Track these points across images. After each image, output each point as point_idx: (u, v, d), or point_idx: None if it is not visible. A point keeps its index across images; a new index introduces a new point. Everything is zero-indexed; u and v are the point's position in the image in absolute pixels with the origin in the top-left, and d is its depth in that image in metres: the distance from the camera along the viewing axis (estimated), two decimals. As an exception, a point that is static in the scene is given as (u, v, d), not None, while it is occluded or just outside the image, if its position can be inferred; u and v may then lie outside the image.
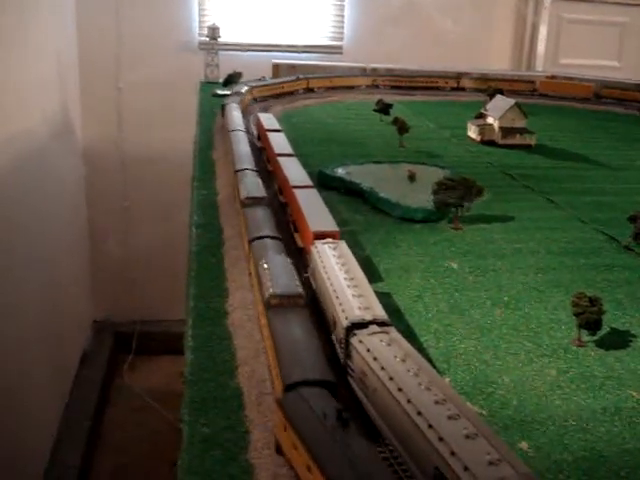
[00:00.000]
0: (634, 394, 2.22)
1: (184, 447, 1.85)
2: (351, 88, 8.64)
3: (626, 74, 10.69)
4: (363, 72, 8.92)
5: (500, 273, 3.17)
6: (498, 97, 6.42)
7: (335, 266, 2.41)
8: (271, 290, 2.16)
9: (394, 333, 1.95)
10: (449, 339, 2.52)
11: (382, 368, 1.75)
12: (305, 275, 2.68)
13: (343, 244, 2.64)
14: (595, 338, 2.54)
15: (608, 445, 1.96)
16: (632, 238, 3.54)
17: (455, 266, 3.22)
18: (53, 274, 7.99)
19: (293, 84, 8.07)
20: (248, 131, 5.07)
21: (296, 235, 3.17)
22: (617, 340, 2.58)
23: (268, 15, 10.33)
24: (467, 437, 1.44)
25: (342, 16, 10.65)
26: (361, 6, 10.66)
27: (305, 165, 3.86)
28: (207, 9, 10.17)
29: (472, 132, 6.22)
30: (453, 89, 9.02)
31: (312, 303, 2.46)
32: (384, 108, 6.56)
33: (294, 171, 3.68)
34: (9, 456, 6.26)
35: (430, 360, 2.34)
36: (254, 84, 7.44)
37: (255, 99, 7.28)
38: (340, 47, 10.70)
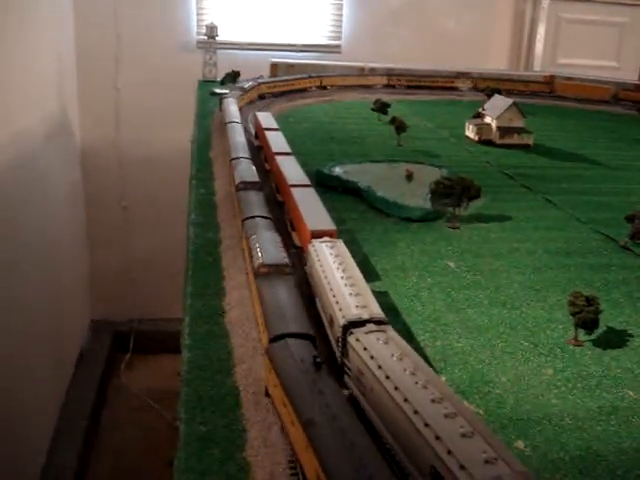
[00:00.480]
0: (630, 393, 2.22)
1: (181, 445, 1.85)
2: (367, 87, 8.71)
3: (625, 74, 10.71)
4: (361, 71, 8.93)
5: (497, 272, 3.17)
6: (496, 96, 6.42)
7: (332, 265, 2.40)
8: (260, 260, 2.41)
9: (391, 332, 1.95)
10: (446, 338, 2.52)
11: (379, 367, 1.75)
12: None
13: (340, 243, 2.64)
14: (592, 337, 2.54)
15: (604, 444, 1.96)
16: (629, 238, 3.55)
17: (452, 265, 3.22)
18: (51, 273, 7.98)
19: (305, 82, 8.18)
20: (246, 129, 5.09)
21: (293, 234, 3.17)
22: (614, 339, 2.58)
23: (266, 14, 10.32)
24: (463, 436, 1.44)
25: (340, 15, 10.65)
26: (360, 5, 10.66)
27: (303, 164, 3.86)
28: (205, 8, 10.16)
29: (470, 132, 6.22)
30: (471, 89, 9.05)
31: (309, 301, 2.46)
32: (382, 107, 6.56)
33: (292, 170, 3.68)
34: (6, 455, 6.25)
35: (427, 359, 2.34)
36: (262, 80, 7.53)
37: (262, 96, 7.36)
38: (338, 46, 10.70)
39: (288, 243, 3.06)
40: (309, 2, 10.55)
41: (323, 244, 2.61)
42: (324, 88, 8.37)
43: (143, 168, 10.11)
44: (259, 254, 2.46)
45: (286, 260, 2.44)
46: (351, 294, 2.16)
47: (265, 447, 1.83)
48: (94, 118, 10.00)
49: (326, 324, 2.25)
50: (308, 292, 2.56)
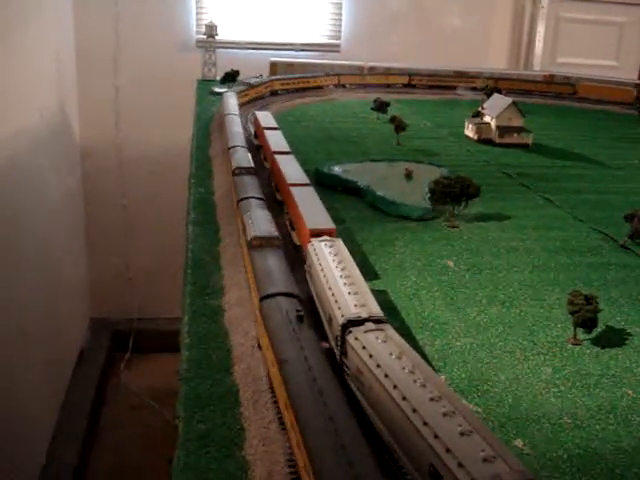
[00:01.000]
0: (629, 392, 2.22)
1: (180, 444, 1.85)
2: (388, 86, 8.79)
3: (624, 73, 10.71)
4: (361, 70, 8.93)
5: (496, 271, 3.17)
6: (495, 96, 6.42)
7: (331, 264, 2.40)
8: (253, 233, 2.67)
9: (390, 330, 1.95)
10: (445, 337, 2.52)
11: (378, 365, 1.75)
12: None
13: (339, 242, 2.64)
14: (591, 336, 2.54)
15: (603, 443, 1.97)
16: (628, 237, 3.55)
17: (451, 264, 3.22)
18: (50, 272, 7.98)
19: (323, 79, 8.34)
20: (245, 129, 5.11)
21: (293, 233, 3.17)
22: (613, 338, 2.58)
23: (266, 13, 10.32)
24: (462, 434, 1.44)
25: (340, 14, 10.64)
26: (359, 5, 10.65)
27: (302, 163, 3.86)
28: (205, 7, 10.16)
29: (469, 131, 6.22)
30: (491, 89, 9.04)
31: (309, 300, 2.46)
32: (381, 106, 6.56)
33: (291, 169, 3.68)
34: (6, 454, 6.25)
35: (426, 357, 2.34)
36: (275, 77, 7.67)
37: (275, 92, 7.46)
38: (338, 45, 10.70)
39: (288, 242, 3.07)
40: (308, 1, 10.55)
41: (322, 243, 2.61)
42: (343, 86, 8.47)
43: (143, 167, 10.10)
44: (252, 228, 2.73)
45: (276, 234, 2.71)
46: (350, 293, 2.16)
47: (264, 445, 1.83)
48: (93, 117, 9.99)
49: (325, 323, 2.26)
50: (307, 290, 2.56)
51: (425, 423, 1.49)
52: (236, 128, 4.72)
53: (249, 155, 4.00)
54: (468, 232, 3.68)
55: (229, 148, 4.14)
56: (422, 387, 1.62)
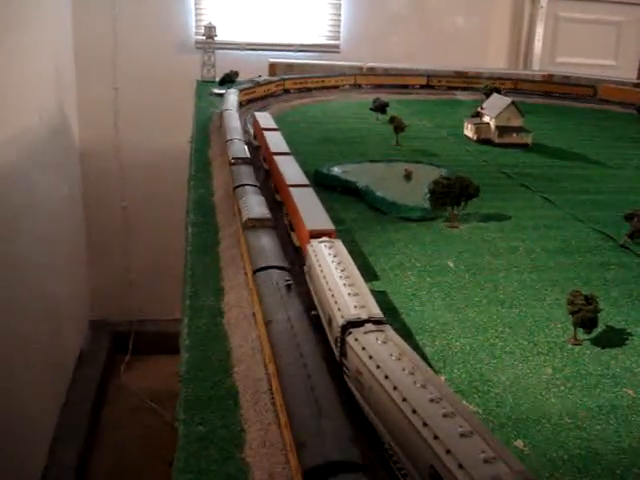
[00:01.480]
0: (630, 392, 2.22)
1: (180, 446, 1.85)
2: (405, 87, 8.82)
3: (623, 73, 10.72)
4: (360, 71, 8.94)
5: (496, 271, 3.17)
6: (495, 96, 6.42)
7: (331, 265, 2.40)
8: (247, 216, 2.92)
9: (390, 331, 1.95)
10: (445, 337, 2.52)
11: (377, 366, 1.75)
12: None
13: (339, 243, 2.64)
14: (591, 336, 2.54)
15: (604, 443, 1.96)
16: (628, 237, 3.54)
17: (451, 264, 3.22)
18: (50, 274, 7.98)
19: (337, 79, 8.44)
20: (245, 131, 5.13)
21: (292, 234, 3.17)
22: (613, 338, 2.58)
23: (265, 14, 10.32)
24: (462, 435, 1.44)
25: (339, 15, 10.65)
26: (358, 5, 10.66)
27: (302, 164, 3.86)
28: (204, 8, 10.16)
29: (469, 131, 6.22)
30: (512, 90, 9.10)
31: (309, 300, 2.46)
32: (380, 107, 6.56)
33: (291, 170, 3.68)
34: (7, 455, 6.25)
35: (426, 358, 2.34)
36: (287, 76, 7.84)
37: (287, 90, 7.59)
38: (337, 46, 10.70)
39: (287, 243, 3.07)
40: (307, 2, 10.55)
41: (322, 244, 2.60)
42: (359, 87, 8.51)
43: (142, 168, 10.10)
44: (246, 211, 2.99)
45: (268, 215, 2.98)
46: (350, 294, 2.16)
47: (264, 447, 1.82)
48: (93, 118, 10.00)
49: (325, 324, 2.25)
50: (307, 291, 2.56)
51: (425, 424, 1.49)
52: (233, 123, 4.94)
53: (245, 146, 4.25)
54: (468, 232, 3.68)
55: (226, 141, 4.39)
56: (422, 388, 1.62)
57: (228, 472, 1.75)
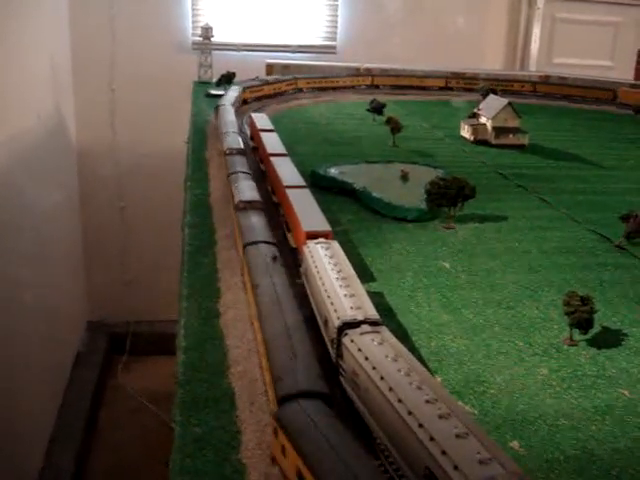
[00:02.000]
0: (625, 393, 2.23)
1: (176, 447, 1.85)
2: (423, 89, 8.89)
3: (619, 74, 10.73)
4: (357, 72, 8.94)
5: (492, 272, 3.17)
6: (491, 97, 6.43)
7: (327, 266, 2.41)
8: (239, 198, 3.20)
9: (385, 333, 1.95)
10: (441, 338, 2.52)
11: (373, 368, 1.75)
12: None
13: (335, 244, 2.64)
14: (587, 337, 2.54)
15: (599, 444, 1.97)
16: (624, 237, 3.55)
17: (447, 265, 3.22)
18: (48, 275, 7.97)
19: (352, 80, 8.56)
20: (241, 131, 5.13)
21: (289, 235, 3.17)
22: (608, 339, 2.59)
23: (261, 15, 10.32)
24: (458, 436, 1.44)
25: (336, 16, 10.65)
26: (355, 6, 10.66)
27: (298, 165, 3.86)
28: (200, 9, 10.16)
29: (465, 132, 6.23)
30: (533, 91, 9.14)
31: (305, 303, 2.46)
32: (377, 108, 6.56)
33: (287, 171, 3.68)
34: (5, 455, 6.25)
35: (422, 359, 2.34)
36: (300, 75, 8.00)
37: (300, 89, 7.82)
38: (334, 47, 10.70)
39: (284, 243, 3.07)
40: (304, 3, 10.55)
41: (318, 245, 2.61)
42: (376, 87, 8.60)
43: (139, 169, 10.09)
44: (238, 194, 3.26)
45: (258, 198, 3.24)
46: (346, 295, 2.17)
47: (260, 449, 1.83)
48: (90, 119, 9.99)
49: (321, 325, 2.26)
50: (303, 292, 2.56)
51: (421, 425, 1.49)
52: (229, 117, 5.20)
53: (239, 138, 4.52)
54: (464, 233, 3.68)
55: (222, 133, 4.66)
56: (418, 389, 1.62)
57: (224, 473, 1.75)
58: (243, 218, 3.01)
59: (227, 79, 7.62)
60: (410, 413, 1.54)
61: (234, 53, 10.02)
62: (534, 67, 11.23)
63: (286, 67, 8.81)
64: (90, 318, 10.50)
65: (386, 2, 10.66)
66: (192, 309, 2.65)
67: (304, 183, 3.49)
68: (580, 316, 2.43)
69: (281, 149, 4.21)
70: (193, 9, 10.12)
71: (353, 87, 8.47)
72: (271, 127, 4.85)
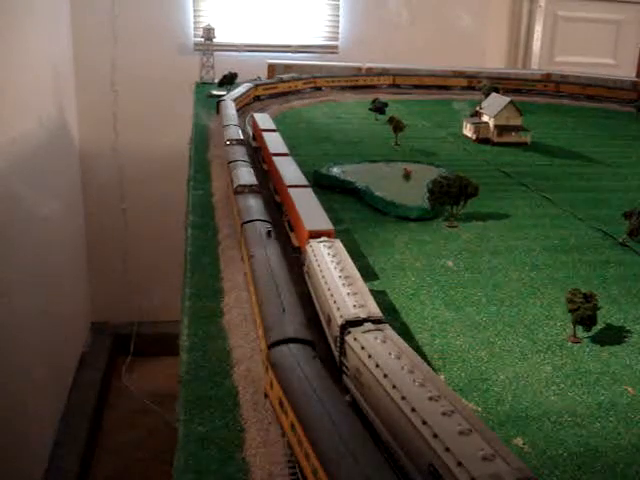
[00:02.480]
0: (629, 389, 2.22)
1: (179, 446, 1.85)
2: (446, 89, 8.97)
3: (622, 71, 10.72)
4: (359, 72, 8.94)
5: (495, 270, 3.17)
6: (493, 95, 6.42)
7: (330, 264, 2.41)
8: (238, 182, 3.45)
9: (388, 330, 1.95)
10: (444, 336, 2.52)
11: (377, 365, 1.75)
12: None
13: (338, 243, 2.65)
14: (590, 334, 2.54)
15: (603, 440, 1.97)
16: (627, 235, 3.55)
17: (450, 264, 3.22)
18: (51, 277, 7.98)
19: (375, 79, 8.73)
20: (242, 129, 5.15)
21: (292, 234, 3.17)
22: (612, 336, 2.58)
23: (263, 16, 10.32)
24: (461, 433, 1.44)
25: (337, 16, 10.64)
26: (356, 6, 10.65)
27: (301, 164, 3.86)
28: (202, 10, 10.16)
29: (467, 130, 6.23)
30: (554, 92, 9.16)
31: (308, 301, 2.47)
32: (379, 107, 6.57)
33: (290, 170, 3.69)
34: (9, 457, 6.26)
35: (425, 357, 2.34)
36: (319, 74, 8.29)
37: (318, 87, 8.13)
38: (335, 47, 10.69)
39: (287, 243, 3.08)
40: (306, 3, 10.55)
41: (321, 244, 2.61)
42: (397, 86, 8.76)
43: (142, 170, 10.10)
44: (237, 179, 3.50)
45: (255, 182, 3.48)
46: (349, 293, 2.17)
47: (264, 447, 1.83)
48: (92, 121, 9.99)
49: (324, 323, 2.26)
50: (306, 291, 2.57)
51: (424, 422, 1.49)
52: (230, 111, 5.45)
53: (239, 130, 4.75)
54: (467, 232, 3.68)
55: (224, 126, 4.87)
56: (421, 386, 1.62)
57: (228, 472, 1.76)
58: (241, 200, 3.25)
59: (229, 80, 7.63)
60: (414, 410, 1.54)
61: (236, 54, 10.03)
62: (536, 65, 11.22)
63: (288, 67, 8.82)
64: (94, 319, 10.51)
65: (387, 2, 10.65)
66: (195, 308, 2.65)
67: (307, 182, 3.49)
68: (583, 313, 2.43)
69: (284, 149, 4.21)
70: (195, 10, 10.13)
71: (374, 87, 8.63)
72: (273, 127, 4.85)
